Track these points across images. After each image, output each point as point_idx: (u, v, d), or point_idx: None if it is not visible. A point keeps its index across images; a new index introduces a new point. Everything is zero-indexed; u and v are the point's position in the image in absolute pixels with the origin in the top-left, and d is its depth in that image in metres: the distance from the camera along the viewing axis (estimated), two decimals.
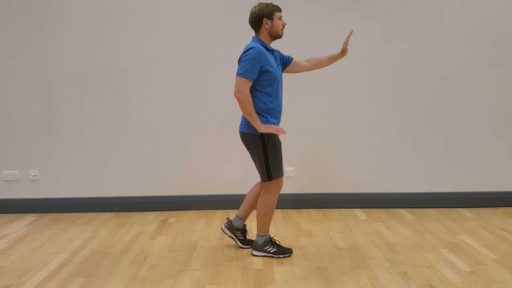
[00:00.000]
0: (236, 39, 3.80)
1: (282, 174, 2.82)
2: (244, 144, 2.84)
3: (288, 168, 3.96)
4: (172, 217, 3.81)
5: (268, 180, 2.77)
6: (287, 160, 3.95)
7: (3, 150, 3.95)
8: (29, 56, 3.86)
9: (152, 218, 3.78)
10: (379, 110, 3.92)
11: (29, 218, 3.84)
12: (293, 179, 3.99)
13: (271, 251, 2.86)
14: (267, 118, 2.70)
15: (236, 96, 2.62)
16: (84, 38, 3.85)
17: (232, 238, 3.04)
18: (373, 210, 3.92)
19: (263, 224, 2.86)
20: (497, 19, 3.82)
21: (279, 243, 2.92)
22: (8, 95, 3.90)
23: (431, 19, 3.83)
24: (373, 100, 3.91)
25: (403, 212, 3.85)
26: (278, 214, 3.84)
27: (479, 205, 3.95)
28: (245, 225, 3.03)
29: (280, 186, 2.84)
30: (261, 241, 2.87)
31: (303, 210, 3.94)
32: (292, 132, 3.91)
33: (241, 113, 2.82)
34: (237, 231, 3.01)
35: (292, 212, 3.90)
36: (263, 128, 2.63)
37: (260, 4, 2.70)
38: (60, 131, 3.93)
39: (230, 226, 3.01)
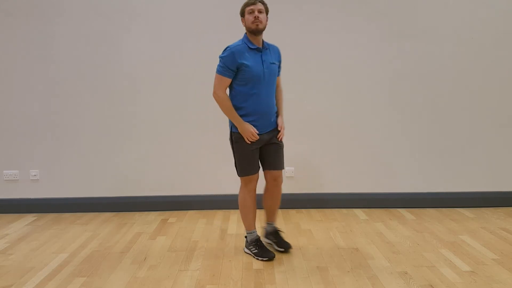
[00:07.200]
0: (237, 39, 3.79)
1: (249, 174, 2.80)
2: None
3: (288, 168, 3.96)
4: (172, 217, 3.80)
5: (238, 176, 2.84)
6: (287, 160, 3.95)
7: (3, 150, 3.95)
8: (30, 56, 3.86)
9: (152, 218, 3.78)
10: (379, 110, 3.92)
11: (29, 218, 3.84)
12: (293, 179, 3.99)
13: (253, 251, 2.88)
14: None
15: (213, 97, 2.70)
16: (86, 39, 3.85)
17: (270, 244, 3.03)
18: (373, 210, 3.92)
19: (243, 221, 2.92)
20: (497, 19, 3.82)
21: (262, 246, 2.91)
22: (8, 95, 3.90)
23: (431, 19, 3.83)
24: (373, 100, 3.91)
25: (403, 212, 3.85)
26: (278, 214, 3.83)
27: (479, 205, 3.95)
28: (275, 227, 3.02)
29: (250, 185, 2.83)
30: (249, 238, 2.91)
31: (303, 210, 3.94)
32: (292, 132, 3.91)
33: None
34: (268, 236, 3.02)
35: (292, 212, 3.90)
36: (242, 128, 2.65)
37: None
38: (60, 131, 3.93)
39: (265, 234, 3.04)
